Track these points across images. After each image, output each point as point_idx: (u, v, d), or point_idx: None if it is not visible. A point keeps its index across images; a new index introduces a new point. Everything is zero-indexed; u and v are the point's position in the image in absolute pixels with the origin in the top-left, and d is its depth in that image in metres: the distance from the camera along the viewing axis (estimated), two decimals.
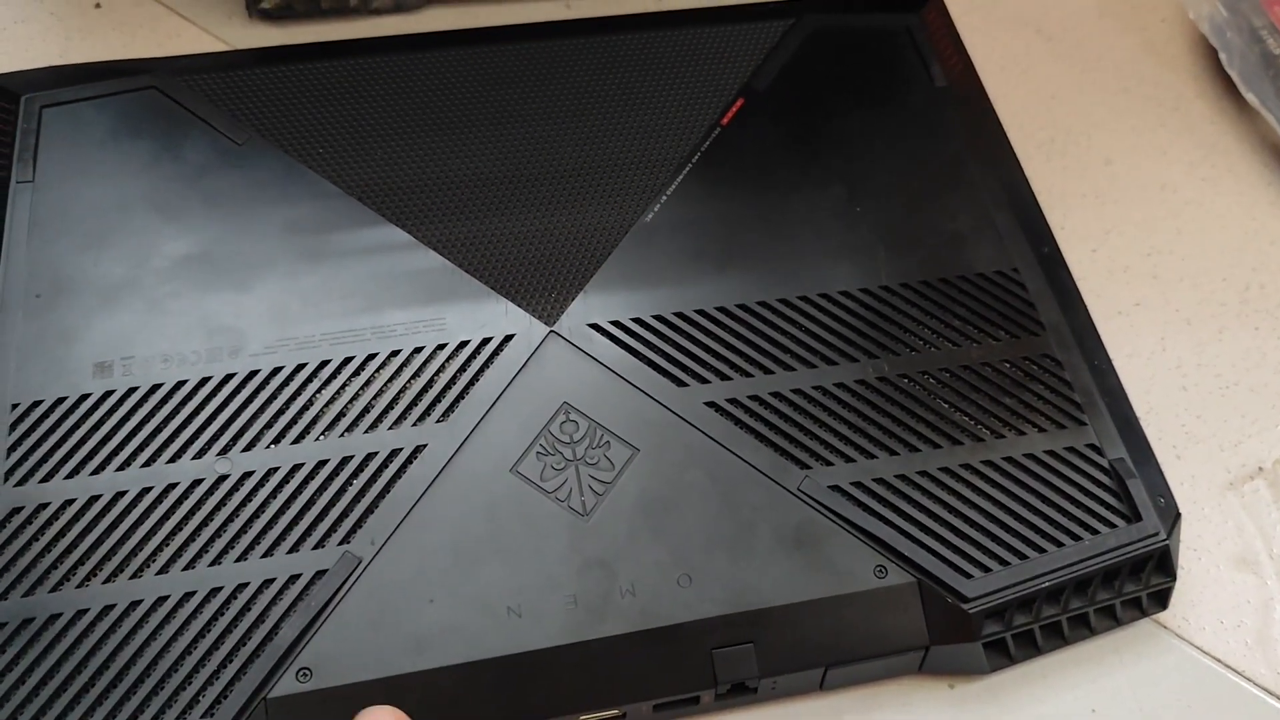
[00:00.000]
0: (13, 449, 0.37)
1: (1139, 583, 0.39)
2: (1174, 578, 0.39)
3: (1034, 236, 0.45)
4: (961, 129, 0.47)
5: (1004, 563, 0.37)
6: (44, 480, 0.37)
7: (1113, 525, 0.38)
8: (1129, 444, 0.40)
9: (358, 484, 0.37)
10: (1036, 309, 0.43)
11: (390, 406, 0.39)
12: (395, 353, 0.40)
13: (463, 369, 0.40)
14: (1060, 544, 0.38)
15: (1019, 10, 0.55)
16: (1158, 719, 0.38)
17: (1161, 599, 0.39)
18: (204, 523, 0.36)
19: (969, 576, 0.37)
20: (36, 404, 0.38)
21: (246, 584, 0.35)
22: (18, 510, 0.36)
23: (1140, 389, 0.44)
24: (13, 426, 0.38)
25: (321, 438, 0.38)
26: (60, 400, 0.38)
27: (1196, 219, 0.49)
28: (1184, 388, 0.45)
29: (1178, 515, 0.39)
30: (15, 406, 0.38)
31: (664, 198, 0.44)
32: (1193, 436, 0.44)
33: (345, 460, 0.38)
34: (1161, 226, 0.49)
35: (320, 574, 0.35)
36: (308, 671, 0.34)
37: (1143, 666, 0.39)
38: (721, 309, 0.41)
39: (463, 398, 0.39)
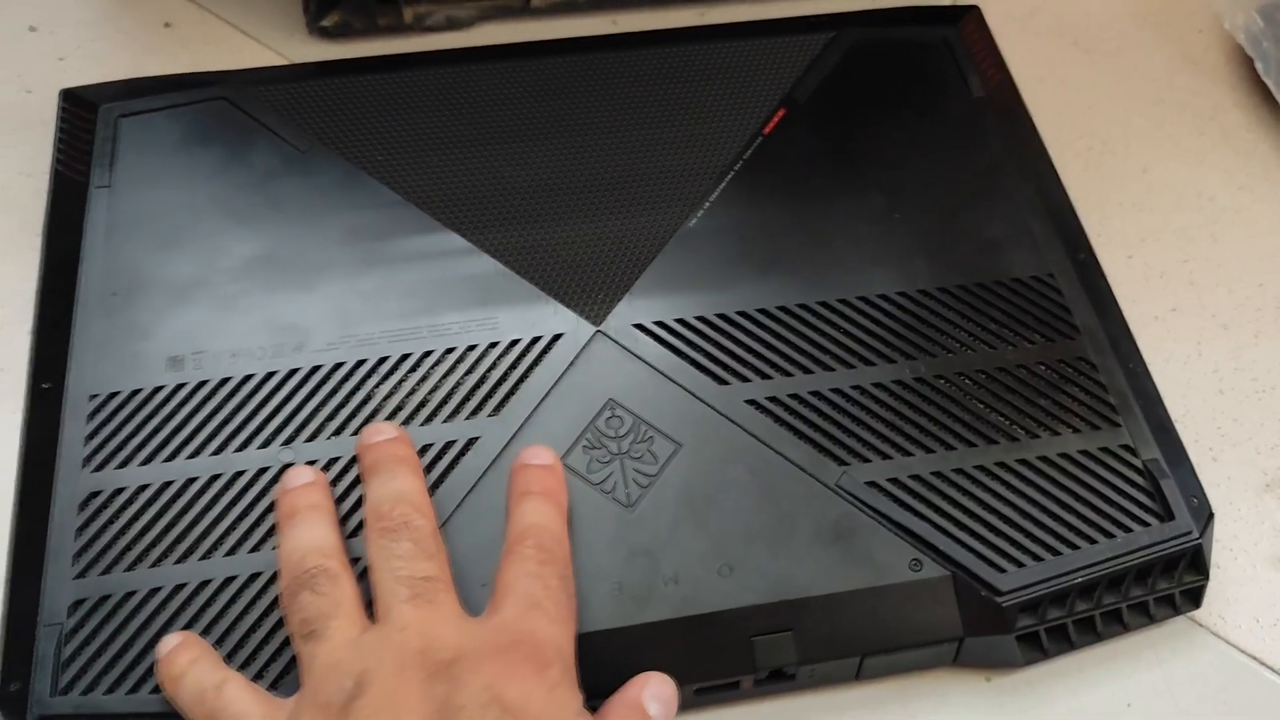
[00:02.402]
0: (91, 437, 0.39)
1: (1172, 580, 0.39)
2: (1207, 576, 0.39)
3: (1070, 243, 0.46)
4: (999, 138, 0.48)
5: (1037, 558, 0.38)
6: (120, 466, 0.39)
7: (1146, 524, 0.39)
8: (1163, 445, 0.41)
9: None
10: (1071, 313, 0.43)
11: (445, 401, 0.40)
12: (450, 350, 0.42)
13: (514, 366, 0.41)
14: (1093, 541, 0.39)
15: (1057, 22, 0.56)
16: (1193, 714, 0.39)
17: (1195, 597, 0.40)
18: (269, 509, 0.38)
19: (1003, 570, 0.38)
20: (113, 395, 0.40)
21: None
22: (96, 494, 0.38)
23: (1177, 392, 0.45)
24: (91, 416, 0.40)
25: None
26: (135, 392, 0.40)
27: (1233, 226, 0.50)
28: (1220, 391, 0.45)
29: (1210, 515, 0.40)
30: (94, 397, 0.40)
31: (707, 204, 0.46)
32: (1229, 439, 0.44)
33: None
34: (1198, 233, 0.50)
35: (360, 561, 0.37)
36: None
37: (1179, 662, 0.40)
38: (762, 310, 0.43)
39: (513, 393, 0.41)
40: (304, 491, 0.37)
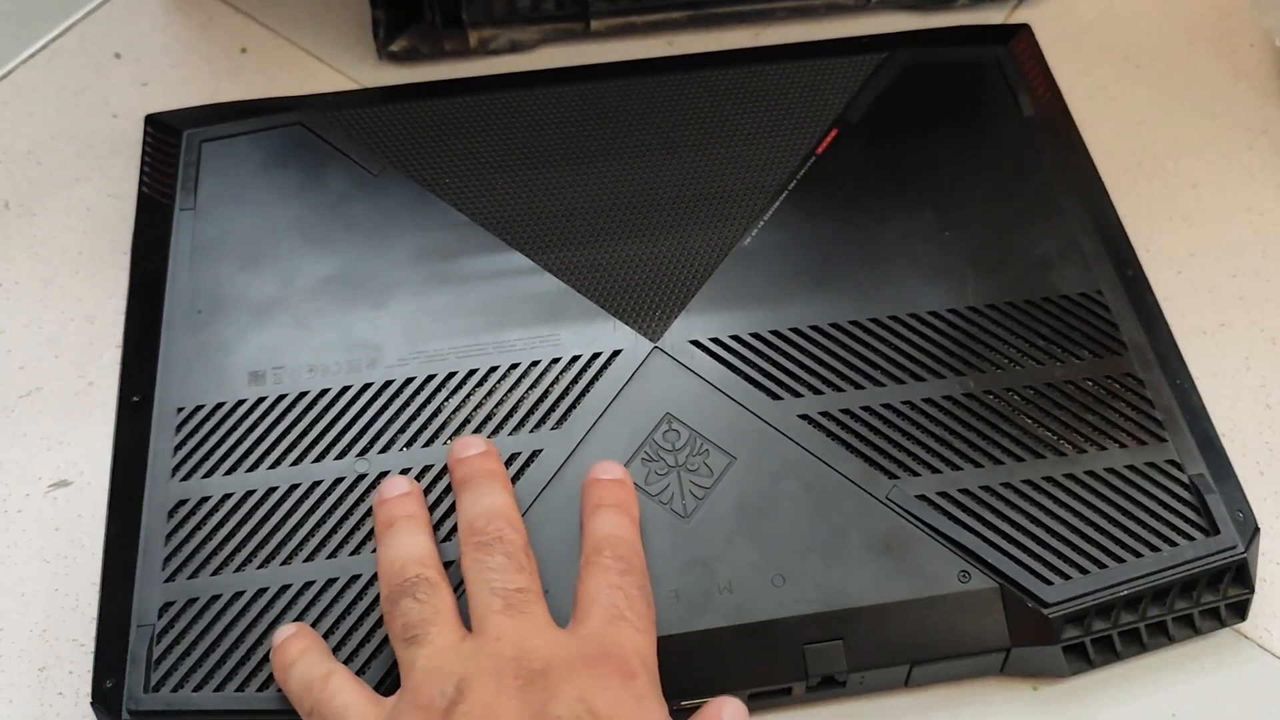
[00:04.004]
0: (178, 448, 0.42)
1: (1217, 594, 0.40)
2: (1252, 589, 0.40)
3: (1119, 259, 0.46)
4: (1049, 156, 0.49)
5: (1084, 571, 0.39)
6: (205, 476, 0.41)
7: (1191, 538, 0.40)
8: (1209, 460, 0.42)
9: None
10: (1119, 329, 0.44)
11: (510, 414, 0.42)
12: (515, 366, 0.43)
13: (575, 381, 0.43)
14: (1139, 554, 0.39)
15: (1108, 39, 0.57)
16: None
17: (1240, 610, 0.41)
18: (345, 517, 0.40)
19: (1049, 583, 0.39)
20: (199, 408, 0.43)
21: None
22: (183, 502, 0.41)
23: (1224, 407, 0.46)
24: (178, 428, 0.42)
25: (449, 442, 0.42)
26: (219, 405, 0.43)
27: None
28: (1268, 405, 0.46)
29: (1256, 529, 0.40)
30: (180, 410, 0.42)
31: (761, 223, 0.47)
32: (1276, 454, 0.45)
33: None
34: (1247, 248, 0.50)
35: (448, 565, 0.39)
36: None
37: (1223, 674, 0.40)
38: (815, 327, 0.44)
39: (575, 407, 0.42)
40: (401, 501, 0.39)
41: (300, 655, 0.37)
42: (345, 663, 0.38)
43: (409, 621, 0.36)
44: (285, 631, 0.38)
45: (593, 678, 0.34)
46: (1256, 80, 0.55)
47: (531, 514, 0.40)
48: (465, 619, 0.36)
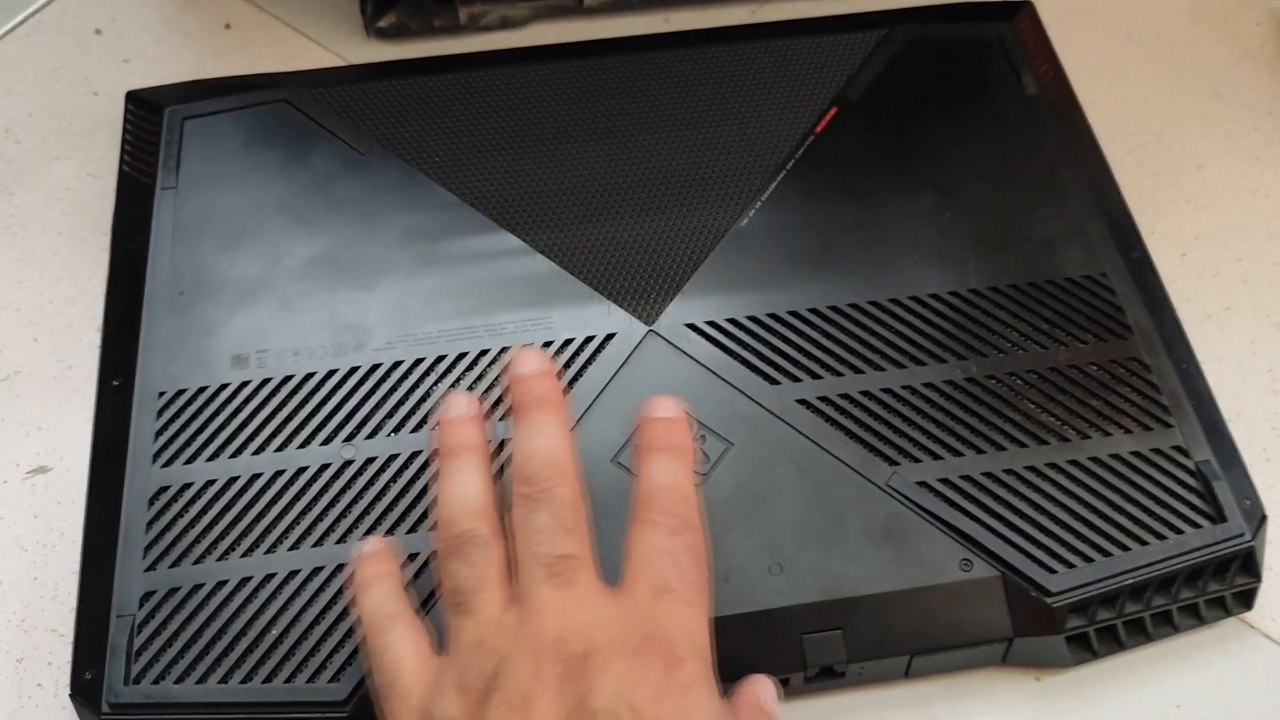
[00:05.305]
0: (160, 433, 0.41)
1: (1223, 582, 0.39)
2: (1259, 578, 0.39)
3: (1123, 241, 0.46)
4: (1052, 136, 0.48)
5: (1088, 559, 0.38)
6: (188, 462, 0.40)
7: (1197, 525, 0.39)
8: (1215, 446, 0.41)
9: None
10: (1124, 313, 0.43)
11: (501, 399, 0.41)
12: (506, 349, 0.42)
13: (567, 365, 0.42)
14: (1144, 542, 0.39)
15: (1111, 17, 0.56)
16: (1243, 716, 0.39)
17: (1247, 599, 0.40)
18: (331, 504, 0.39)
19: (1053, 571, 0.38)
20: (181, 392, 0.41)
21: None
22: (164, 489, 0.40)
23: (1230, 393, 0.45)
24: (159, 413, 0.41)
25: (438, 427, 0.41)
26: (202, 389, 0.42)
27: None
28: (1275, 391, 0.45)
29: (1264, 517, 0.40)
30: (162, 394, 0.41)
31: (759, 203, 0.46)
32: None
33: None
34: (1253, 231, 0.49)
35: (435, 554, 0.38)
36: None
37: (1229, 664, 0.40)
38: (814, 310, 0.43)
39: (567, 392, 0.41)
40: (463, 426, 0.37)
41: (375, 581, 0.36)
42: (331, 655, 0.37)
43: (456, 586, 0.34)
44: (368, 545, 0.37)
45: (635, 666, 0.31)
46: (1262, 60, 0.54)
47: None
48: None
